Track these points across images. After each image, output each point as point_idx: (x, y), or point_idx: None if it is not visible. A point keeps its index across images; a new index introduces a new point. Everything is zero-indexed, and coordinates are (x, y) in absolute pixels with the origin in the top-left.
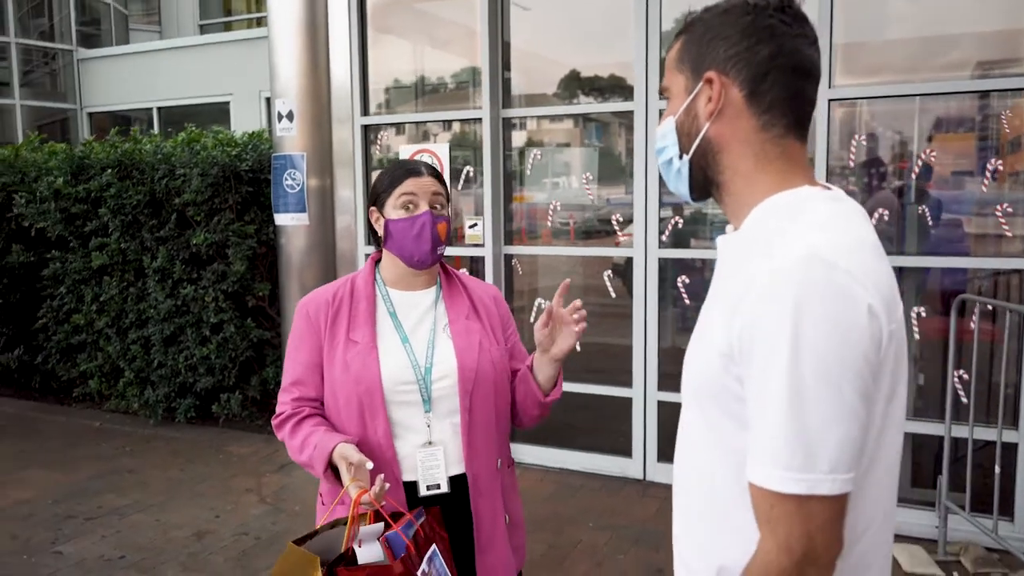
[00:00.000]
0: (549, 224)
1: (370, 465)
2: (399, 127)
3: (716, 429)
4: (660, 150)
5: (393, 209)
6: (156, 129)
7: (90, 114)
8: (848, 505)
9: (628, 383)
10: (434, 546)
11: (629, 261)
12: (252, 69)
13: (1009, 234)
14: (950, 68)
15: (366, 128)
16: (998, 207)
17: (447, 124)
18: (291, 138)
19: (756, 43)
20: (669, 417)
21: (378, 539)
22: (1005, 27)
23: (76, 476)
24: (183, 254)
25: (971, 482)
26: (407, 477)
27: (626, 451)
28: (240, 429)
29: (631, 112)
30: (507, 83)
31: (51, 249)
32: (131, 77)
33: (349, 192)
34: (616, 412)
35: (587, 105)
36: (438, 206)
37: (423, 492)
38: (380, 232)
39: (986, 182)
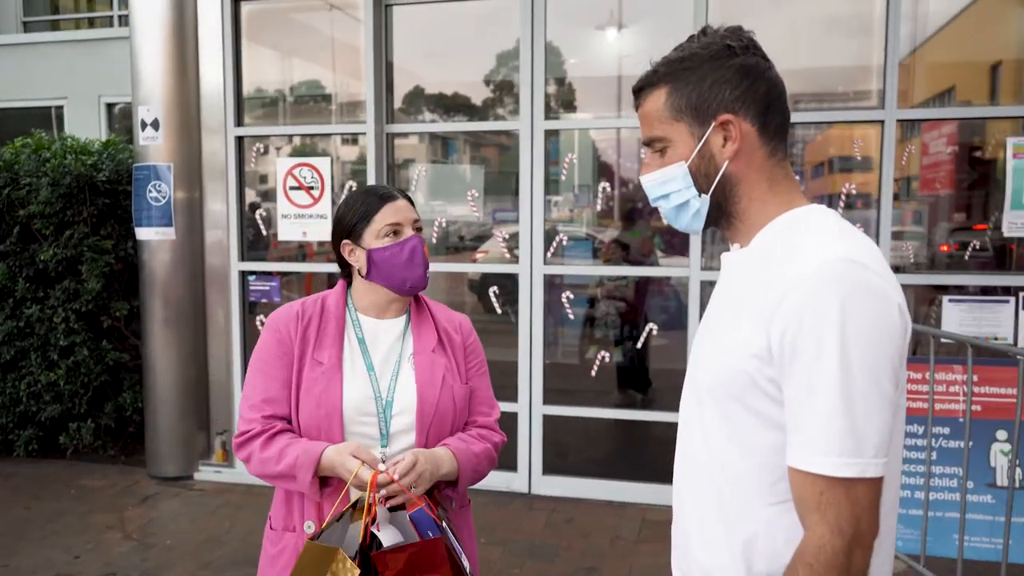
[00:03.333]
0: (434, 240)
1: (382, 466)
2: (277, 140)
3: (738, 427)
4: (666, 195)
5: (375, 239)
6: None
7: None
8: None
9: (513, 398)
10: (445, 523)
11: (513, 277)
12: (90, 72)
13: None
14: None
15: (240, 140)
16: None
17: (328, 137)
18: (156, 147)
19: (753, 81)
20: (553, 431)
21: (389, 523)
22: (813, 65)
23: None
24: (27, 271)
25: None
26: None
27: (511, 466)
28: (91, 461)
29: (517, 131)
30: (390, 99)
31: None
32: None
33: (221, 206)
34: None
35: (473, 123)
36: (417, 229)
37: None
38: (359, 264)
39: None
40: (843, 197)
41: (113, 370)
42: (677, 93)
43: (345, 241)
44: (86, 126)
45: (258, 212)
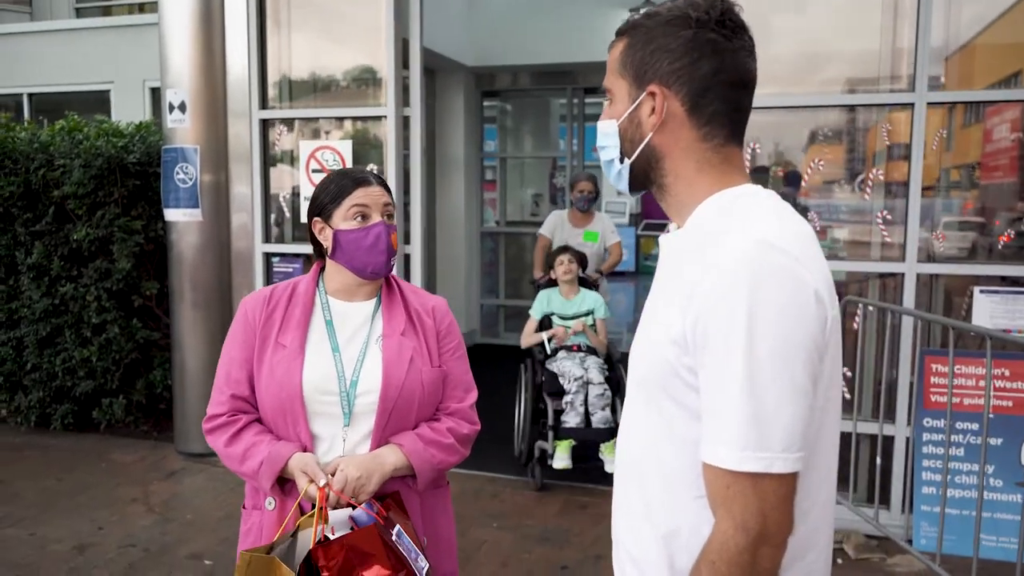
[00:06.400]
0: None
1: (322, 481)
2: (300, 122)
3: (667, 418)
4: (603, 147)
5: (343, 220)
6: (27, 116)
7: None
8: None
9: None
10: (398, 526)
11: None
12: (135, 57)
13: (889, 240)
14: (826, 83)
15: (264, 123)
16: (878, 214)
17: (351, 120)
18: (183, 130)
19: (698, 59)
20: None
21: (337, 523)
22: (878, 47)
23: None
24: (62, 250)
25: (855, 474)
26: None
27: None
28: (123, 436)
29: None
30: (406, 80)
31: None
32: None
33: (246, 188)
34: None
35: None
36: (388, 216)
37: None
38: (327, 243)
39: (859, 190)
40: (861, 182)
41: (144, 348)
42: (629, 50)
43: (316, 219)
44: (132, 110)
45: (282, 195)
